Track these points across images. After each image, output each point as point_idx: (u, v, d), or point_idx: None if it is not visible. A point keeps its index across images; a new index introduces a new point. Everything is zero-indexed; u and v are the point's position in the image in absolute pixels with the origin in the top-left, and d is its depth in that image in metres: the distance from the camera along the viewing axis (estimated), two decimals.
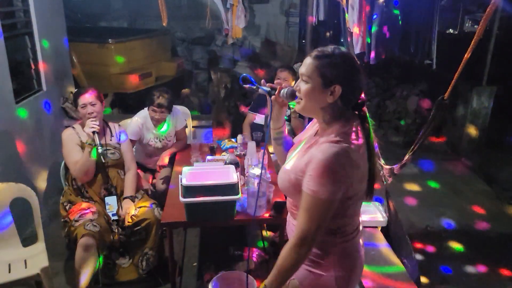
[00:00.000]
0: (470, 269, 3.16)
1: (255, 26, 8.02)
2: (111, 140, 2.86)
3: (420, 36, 3.78)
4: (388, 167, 2.37)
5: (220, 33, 7.57)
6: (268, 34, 7.98)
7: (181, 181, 2.24)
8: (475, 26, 8.73)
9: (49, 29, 3.97)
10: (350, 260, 1.50)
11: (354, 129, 1.37)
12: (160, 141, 3.36)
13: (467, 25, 9.55)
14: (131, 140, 3.10)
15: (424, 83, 6.20)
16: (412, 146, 2.12)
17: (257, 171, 2.23)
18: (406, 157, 2.23)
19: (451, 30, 9.29)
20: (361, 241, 1.56)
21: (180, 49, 7.83)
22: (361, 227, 1.56)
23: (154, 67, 6.13)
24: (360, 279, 1.70)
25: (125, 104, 5.73)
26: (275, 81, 3.68)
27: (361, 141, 1.37)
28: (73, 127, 2.79)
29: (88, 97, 2.68)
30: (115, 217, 2.71)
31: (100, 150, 2.61)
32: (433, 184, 4.54)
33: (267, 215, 2.30)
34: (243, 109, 5.44)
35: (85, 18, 7.71)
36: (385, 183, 2.58)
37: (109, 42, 5.48)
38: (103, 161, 2.70)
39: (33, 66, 3.73)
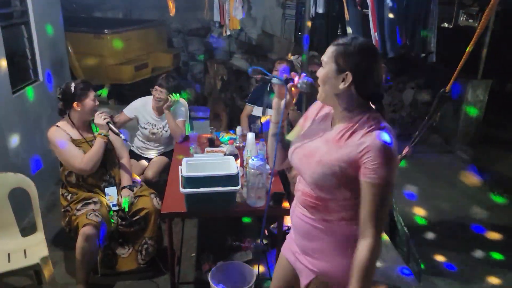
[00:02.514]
0: (463, 260, 3.21)
1: (251, 18, 7.97)
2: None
3: (416, 29, 3.78)
4: None
5: (215, 25, 7.53)
6: (265, 26, 7.94)
7: (181, 172, 2.25)
8: (470, 20, 8.75)
9: (46, 19, 3.94)
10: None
11: (379, 115, 1.41)
12: (156, 127, 3.41)
13: (461, 19, 9.57)
14: (122, 115, 3.43)
15: (420, 76, 6.23)
16: (413, 138, 2.14)
17: (257, 162, 2.25)
18: (407, 149, 2.25)
19: (445, 24, 9.31)
20: None
21: (176, 40, 7.78)
22: None
23: (150, 58, 6.11)
24: None
25: (121, 95, 5.71)
26: (274, 74, 3.68)
27: None
28: (57, 126, 2.69)
29: (93, 91, 2.70)
30: (116, 208, 2.72)
31: (123, 137, 2.72)
32: (427, 177, 4.58)
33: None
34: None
35: (79, 8, 7.62)
36: None
37: (105, 33, 5.44)
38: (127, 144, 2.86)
39: (29, 56, 3.70)
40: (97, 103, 2.70)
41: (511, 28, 6.44)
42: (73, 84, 2.64)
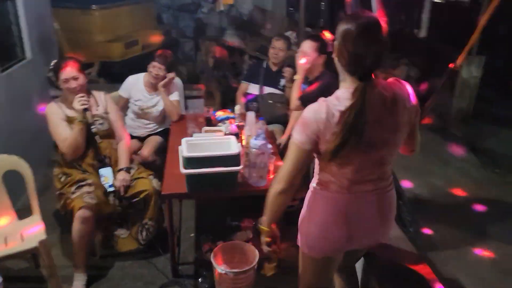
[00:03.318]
0: (457, 234, 3.26)
1: None
2: (97, 110, 2.76)
3: (412, 5, 3.74)
4: None
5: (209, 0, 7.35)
6: (256, 1, 7.79)
7: (181, 152, 2.21)
8: None
9: None
10: (328, 211, 1.60)
11: (349, 93, 1.41)
12: (146, 105, 3.35)
13: None
14: (121, 98, 3.34)
15: (412, 53, 6.20)
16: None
17: (259, 141, 2.21)
18: None
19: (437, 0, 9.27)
20: (354, 203, 1.59)
21: (166, 16, 7.60)
22: (357, 189, 1.57)
23: (140, 35, 5.96)
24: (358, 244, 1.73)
25: (111, 73, 5.57)
26: (270, 51, 3.61)
27: (346, 106, 1.40)
28: (54, 102, 2.66)
29: (69, 70, 2.54)
30: (112, 189, 2.66)
31: (94, 129, 2.61)
32: (420, 153, 4.60)
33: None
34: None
35: None
36: None
37: (93, 9, 5.27)
38: (98, 140, 2.67)
39: (16, 33, 3.56)
40: (72, 85, 2.55)
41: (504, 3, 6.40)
42: (52, 63, 2.62)
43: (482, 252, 3.07)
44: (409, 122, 1.53)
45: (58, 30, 5.12)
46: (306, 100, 2.44)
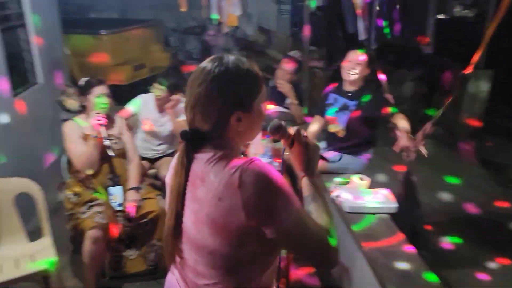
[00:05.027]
0: (471, 250, 3.21)
1: (247, 15, 7.96)
2: (113, 130, 2.83)
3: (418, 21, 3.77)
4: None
5: (211, 23, 7.48)
6: (260, 22, 7.92)
7: None
8: (466, 11, 8.79)
9: (43, 20, 3.88)
10: None
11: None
12: (157, 124, 3.38)
13: (457, 10, 9.62)
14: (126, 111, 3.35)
15: (418, 69, 6.21)
16: (434, 118, 2.13)
17: (265, 159, 2.23)
18: (427, 126, 2.24)
19: (442, 15, 9.35)
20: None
21: (173, 39, 7.75)
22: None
23: (147, 58, 6.07)
24: None
25: (119, 96, 5.66)
26: (278, 70, 3.59)
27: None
28: (72, 119, 2.75)
29: (104, 88, 2.68)
30: (120, 208, 2.69)
31: (108, 143, 2.62)
32: (430, 168, 4.56)
33: None
34: None
35: (74, 9, 7.57)
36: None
37: (102, 34, 5.40)
38: (111, 154, 2.65)
39: (27, 59, 3.65)
40: (104, 100, 2.65)
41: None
42: (82, 79, 2.74)
43: (498, 268, 3.01)
44: (234, 230, 1.08)
45: (69, 55, 5.24)
46: None
